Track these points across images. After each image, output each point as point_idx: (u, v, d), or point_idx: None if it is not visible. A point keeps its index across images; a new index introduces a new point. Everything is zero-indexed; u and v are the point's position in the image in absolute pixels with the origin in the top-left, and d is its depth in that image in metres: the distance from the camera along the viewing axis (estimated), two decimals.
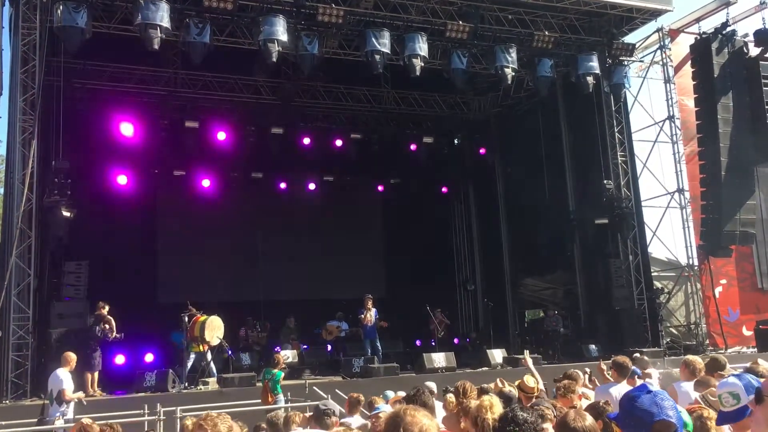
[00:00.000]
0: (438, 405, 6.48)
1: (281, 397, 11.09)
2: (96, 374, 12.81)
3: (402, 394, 7.31)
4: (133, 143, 18.07)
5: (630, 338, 16.63)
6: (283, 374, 11.36)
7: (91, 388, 12.53)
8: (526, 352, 7.94)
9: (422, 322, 18.61)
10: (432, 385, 8.52)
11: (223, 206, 19.88)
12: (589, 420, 3.04)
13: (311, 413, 6.63)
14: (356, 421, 6.84)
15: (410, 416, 2.50)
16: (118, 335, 13.13)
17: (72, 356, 10.33)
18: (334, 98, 20.69)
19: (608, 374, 7.42)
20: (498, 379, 7.32)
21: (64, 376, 9.93)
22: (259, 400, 11.08)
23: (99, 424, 5.25)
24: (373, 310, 16.12)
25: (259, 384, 11.86)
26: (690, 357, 6.60)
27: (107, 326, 12.96)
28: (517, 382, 6.79)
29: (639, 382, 6.67)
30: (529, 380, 6.49)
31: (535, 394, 6.31)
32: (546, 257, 20.40)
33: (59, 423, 9.55)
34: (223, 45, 15.45)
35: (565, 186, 19.65)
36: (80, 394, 10.52)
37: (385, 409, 6.12)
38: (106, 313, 13.06)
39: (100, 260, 15.67)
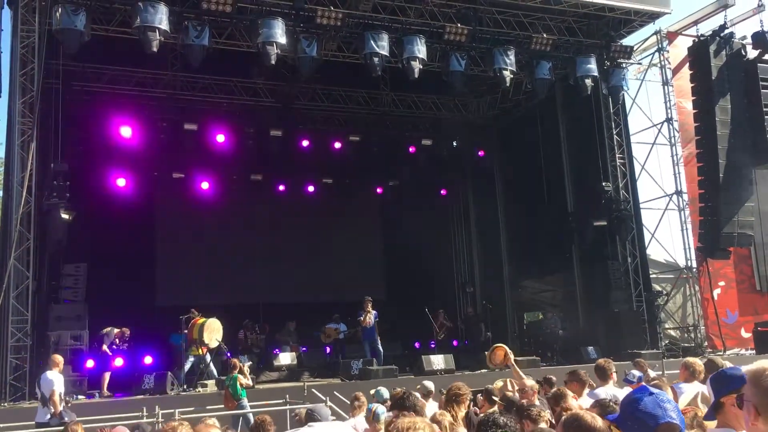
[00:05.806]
0: (434, 405, 6.57)
1: (245, 401, 10.95)
2: (107, 374, 13.47)
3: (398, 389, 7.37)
4: (132, 146, 18.02)
5: (628, 340, 16.61)
6: (240, 377, 11.02)
7: (104, 390, 13.26)
8: (511, 353, 7.87)
9: (421, 324, 18.57)
10: (430, 384, 8.53)
11: (221, 209, 19.86)
12: (601, 421, 3.03)
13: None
14: (359, 421, 6.83)
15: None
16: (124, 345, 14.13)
17: (59, 358, 10.29)
18: (333, 101, 20.69)
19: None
20: (508, 380, 7.31)
21: (53, 378, 9.82)
22: (259, 402, 11.12)
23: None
24: (373, 312, 16.12)
25: (257, 387, 11.87)
26: (690, 359, 6.64)
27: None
28: (518, 386, 6.94)
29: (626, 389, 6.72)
30: (527, 382, 6.86)
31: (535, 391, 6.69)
32: (545, 259, 20.39)
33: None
34: (222, 47, 15.48)
35: (564, 188, 19.66)
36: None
37: (374, 408, 6.24)
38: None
39: (99, 263, 15.65)
